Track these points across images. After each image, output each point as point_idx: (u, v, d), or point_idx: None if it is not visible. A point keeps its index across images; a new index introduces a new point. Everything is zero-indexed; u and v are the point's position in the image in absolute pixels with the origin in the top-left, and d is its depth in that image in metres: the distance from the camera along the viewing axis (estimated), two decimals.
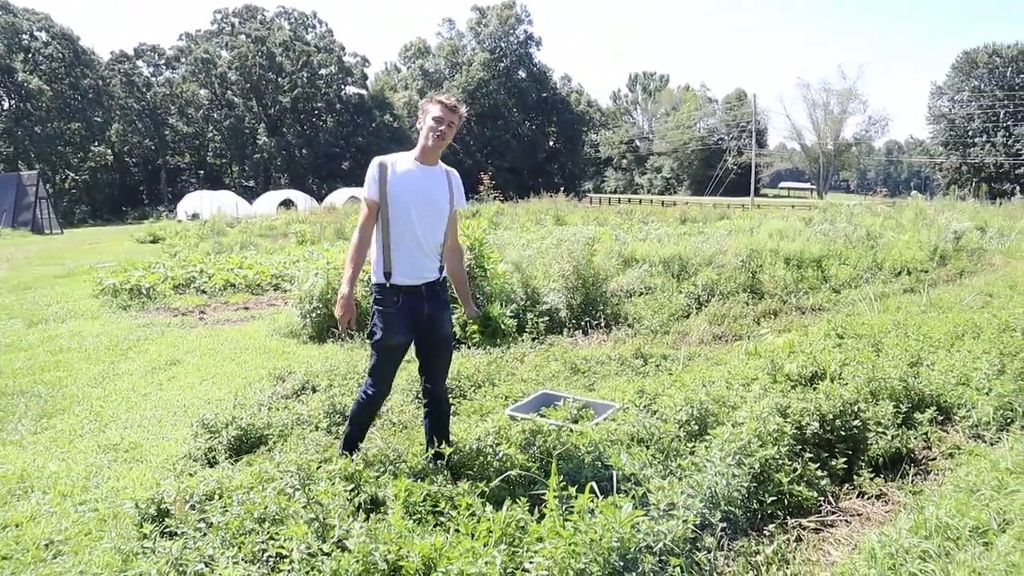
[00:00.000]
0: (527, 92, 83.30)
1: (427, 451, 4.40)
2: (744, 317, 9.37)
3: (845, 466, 4.46)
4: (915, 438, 4.88)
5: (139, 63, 75.30)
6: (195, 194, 49.49)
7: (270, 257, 17.02)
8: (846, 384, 5.28)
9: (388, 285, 4.20)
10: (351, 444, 4.45)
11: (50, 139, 62.15)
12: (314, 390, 6.44)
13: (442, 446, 4.33)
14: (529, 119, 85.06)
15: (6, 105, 63.57)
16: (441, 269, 4.40)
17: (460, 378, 6.54)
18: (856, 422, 4.74)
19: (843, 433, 4.69)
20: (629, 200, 55.64)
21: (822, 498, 4.19)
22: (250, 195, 57.66)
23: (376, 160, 4.20)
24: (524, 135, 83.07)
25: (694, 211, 30.73)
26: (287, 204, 46.87)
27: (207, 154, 76.94)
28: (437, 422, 4.52)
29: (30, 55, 63.18)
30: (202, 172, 75.89)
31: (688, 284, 10.44)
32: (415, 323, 4.25)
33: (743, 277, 10.77)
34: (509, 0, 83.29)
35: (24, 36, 63.71)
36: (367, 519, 3.60)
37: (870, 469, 4.49)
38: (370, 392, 4.34)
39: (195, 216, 41.39)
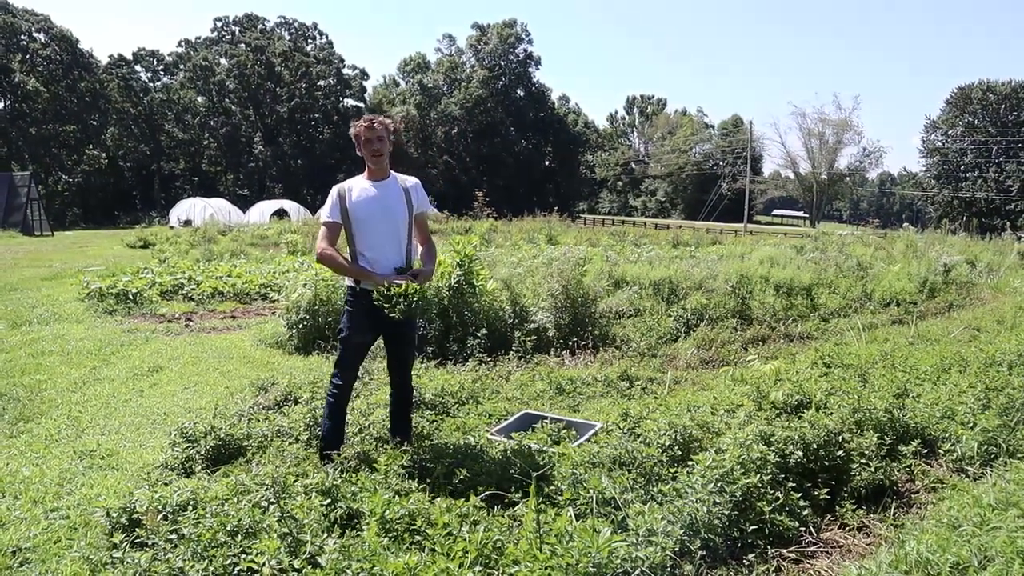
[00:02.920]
0: (525, 111, 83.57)
1: (391, 429, 5.06)
2: (732, 343, 9.35)
3: (828, 496, 4.44)
4: (899, 470, 4.86)
5: (137, 68, 75.49)
6: (188, 200, 49.47)
7: (260, 266, 16.94)
8: (831, 414, 5.26)
9: (358, 289, 4.72)
10: (331, 441, 4.78)
11: (44, 140, 62.07)
12: (296, 402, 6.38)
13: (401, 437, 4.92)
14: (526, 138, 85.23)
15: (1, 105, 63.47)
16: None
17: (444, 395, 6.50)
18: (840, 452, 4.72)
19: (827, 463, 4.67)
20: (623, 222, 55.80)
21: (803, 528, 4.15)
22: (244, 203, 57.57)
23: (335, 188, 4.81)
24: (520, 153, 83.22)
25: (687, 235, 30.80)
26: (280, 214, 46.85)
27: (202, 161, 76.92)
28: (399, 407, 5.05)
29: (28, 56, 63.12)
30: (196, 179, 75.85)
31: (677, 308, 10.42)
32: (379, 323, 4.70)
33: (733, 302, 10.76)
34: (510, 19, 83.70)
35: (23, 37, 63.68)
36: (342, 535, 3.55)
37: (852, 500, 4.45)
38: (337, 383, 4.80)
39: (187, 223, 41.34)
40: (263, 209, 48.53)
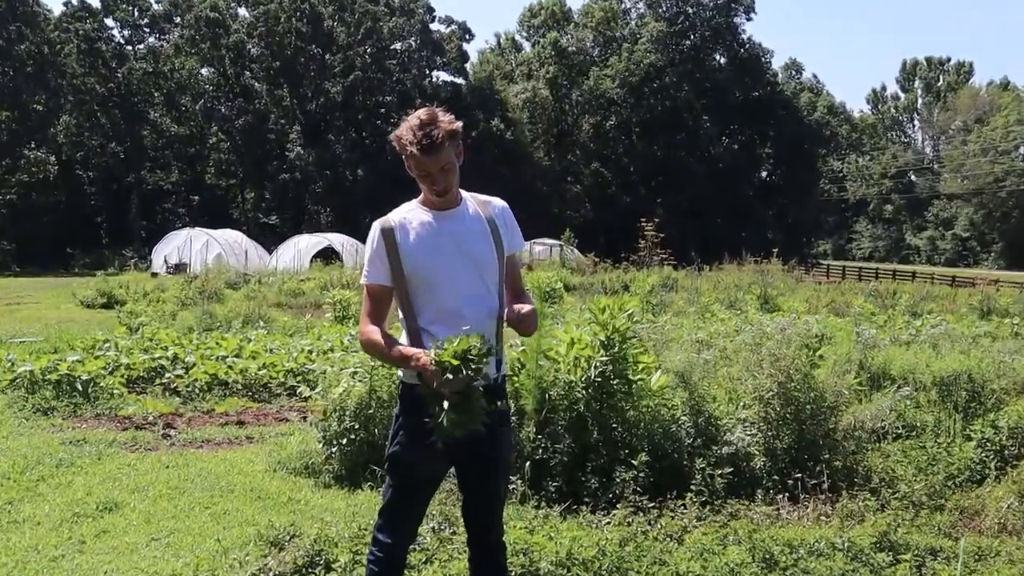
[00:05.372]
0: (727, 88, 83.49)
1: None
2: None
3: None
4: None
5: (109, 22, 78.83)
6: (182, 232, 51.47)
7: (289, 341, 17.33)
8: None
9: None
10: None
11: None
12: (328, 568, 6.43)
13: None
14: (728, 133, 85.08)
15: None
16: (500, 362, 4.63)
17: (571, 564, 6.43)
18: None
19: None
20: (893, 274, 54.75)
21: None
22: (271, 237, 59.62)
23: (376, 226, 4.68)
24: (719, 159, 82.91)
25: (1006, 297, 29.84)
26: (327, 255, 48.09)
27: (207, 170, 79.72)
28: None
29: None
30: (197, 198, 78.51)
31: (983, 424, 10.09)
32: (457, 442, 4.25)
33: None
34: None
35: None
36: None
37: None
38: (384, 541, 4.69)
39: (179, 267, 43.04)
40: (300, 247, 50.07)
